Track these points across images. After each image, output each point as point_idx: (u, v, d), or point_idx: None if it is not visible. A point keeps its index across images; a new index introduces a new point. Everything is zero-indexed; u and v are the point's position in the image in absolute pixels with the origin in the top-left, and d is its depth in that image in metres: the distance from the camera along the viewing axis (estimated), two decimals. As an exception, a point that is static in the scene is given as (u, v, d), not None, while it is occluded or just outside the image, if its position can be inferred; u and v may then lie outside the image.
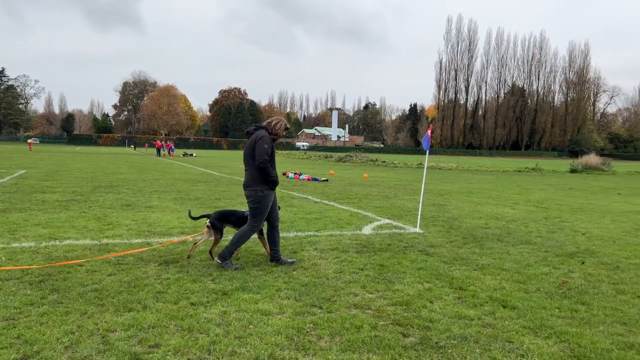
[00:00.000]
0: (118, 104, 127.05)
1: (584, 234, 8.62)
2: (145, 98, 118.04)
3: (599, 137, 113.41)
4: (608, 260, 6.51)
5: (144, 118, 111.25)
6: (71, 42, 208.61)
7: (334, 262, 6.06)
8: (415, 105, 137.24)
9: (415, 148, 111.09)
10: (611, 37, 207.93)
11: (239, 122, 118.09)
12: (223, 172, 23.74)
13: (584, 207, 12.96)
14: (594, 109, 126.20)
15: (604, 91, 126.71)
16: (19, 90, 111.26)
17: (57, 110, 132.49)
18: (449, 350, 3.52)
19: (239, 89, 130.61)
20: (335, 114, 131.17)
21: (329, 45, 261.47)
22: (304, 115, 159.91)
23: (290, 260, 5.99)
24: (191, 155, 50.86)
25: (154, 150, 55.58)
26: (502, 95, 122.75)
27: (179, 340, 3.54)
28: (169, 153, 48.62)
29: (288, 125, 6.08)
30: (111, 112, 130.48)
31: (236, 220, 6.19)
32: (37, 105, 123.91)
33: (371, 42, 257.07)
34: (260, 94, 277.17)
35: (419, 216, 9.05)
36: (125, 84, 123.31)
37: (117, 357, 3.23)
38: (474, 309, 4.42)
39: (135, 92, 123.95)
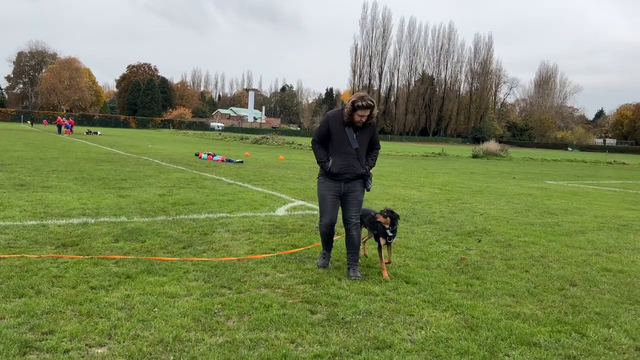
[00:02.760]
0: (12, 76, 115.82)
1: (481, 214, 9.26)
2: (43, 70, 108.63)
3: (499, 125, 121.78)
4: (501, 239, 7.06)
5: (42, 92, 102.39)
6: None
7: (246, 244, 6.02)
8: (331, 89, 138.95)
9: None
10: (512, 30, 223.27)
11: (148, 100, 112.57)
12: (130, 152, 22.60)
13: (483, 189, 13.92)
14: (495, 98, 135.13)
15: (504, 82, 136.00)
16: None
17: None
18: (355, 325, 3.64)
19: (149, 64, 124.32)
20: (251, 94, 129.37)
21: (243, 23, 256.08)
22: (219, 95, 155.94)
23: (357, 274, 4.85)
24: (95, 133, 47.81)
25: (54, 127, 51.57)
26: (413, 82, 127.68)
27: (76, 326, 3.34)
28: (67, 130, 45.33)
29: (359, 103, 4.66)
30: (4, 84, 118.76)
31: (367, 222, 5.33)
32: None
33: (286, 23, 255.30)
34: (172, 71, 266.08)
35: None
36: (20, 54, 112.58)
37: (5, 345, 2.99)
38: (379, 286, 4.61)
39: (32, 64, 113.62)
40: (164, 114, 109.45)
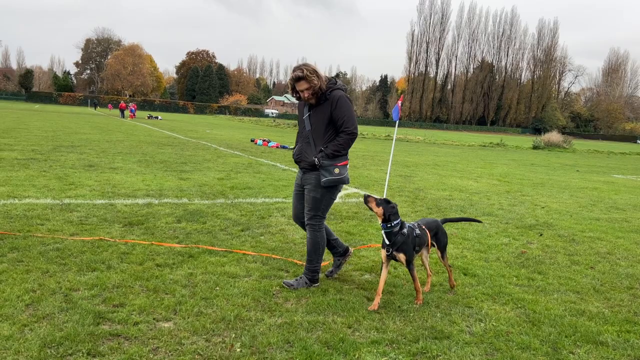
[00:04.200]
0: (80, 62, 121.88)
1: (543, 207, 8.92)
2: (109, 57, 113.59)
3: (561, 115, 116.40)
4: (564, 233, 6.78)
5: (107, 78, 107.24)
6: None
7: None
8: (385, 76, 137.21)
9: (385, 120, 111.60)
10: (579, 16, 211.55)
11: (206, 86, 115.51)
12: (189, 136, 23.31)
13: (544, 182, 13.39)
14: (558, 87, 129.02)
15: (569, 70, 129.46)
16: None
17: (14, 66, 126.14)
18: (411, 314, 3.63)
19: (207, 51, 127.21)
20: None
21: (297, 9, 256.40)
22: (274, 82, 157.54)
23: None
24: (156, 117, 49.63)
25: (117, 111, 53.94)
26: (471, 70, 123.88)
27: (144, 300, 3.52)
28: (131, 114, 47.27)
29: (291, 75, 4.03)
30: (73, 69, 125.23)
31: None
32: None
33: (340, 9, 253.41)
34: (229, 58, 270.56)
35: (385, 186, 9.16)
36: (88, 41, 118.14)
37: (81, 315, 3.19)
38: (436, 276, 4.55)
39: (98, 50, 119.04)
40: (220, 100, 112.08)
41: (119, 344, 2.89)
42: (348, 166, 4.08)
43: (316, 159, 3.94)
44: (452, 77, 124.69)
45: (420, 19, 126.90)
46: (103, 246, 4.75)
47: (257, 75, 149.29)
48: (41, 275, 3.86)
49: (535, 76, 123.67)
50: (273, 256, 4.83)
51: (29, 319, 3.11)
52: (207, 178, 9.74)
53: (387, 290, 4.09)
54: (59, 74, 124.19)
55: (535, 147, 35.42)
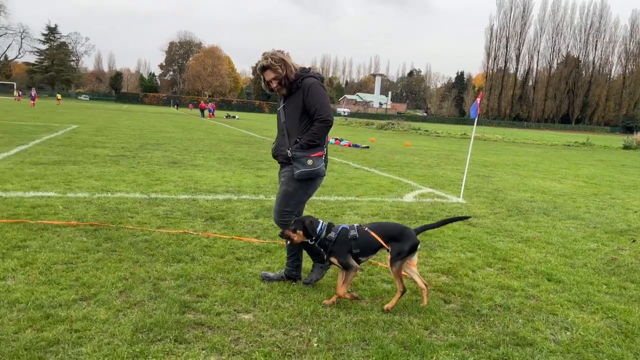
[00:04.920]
0: (164, 64, 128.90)
1: (636, 212, 8.29)
2: (190, 59, 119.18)
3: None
4: (661, 240, 6.26)
5: (188, 79, 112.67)
6: (117, 1, 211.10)
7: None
8: (462, 73, 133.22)
9: (460, 118, 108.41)
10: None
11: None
12: (265, 135, 23.93)
13: (637, 184, 12.42)
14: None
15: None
16: (70, 47, 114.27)
17: (106, 68, 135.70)
18: (491, 319, 3.51)
19: (282, 51, 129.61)
20: (378, 80, 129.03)
21: (370, 7, 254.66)
22: (346, 81, 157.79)
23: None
24: (234, 117, 51.39)
25: (198, 111, 56.43)
26: (555, 65, 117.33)
27: (225, 292, 3.67)
28: (210, 114, 49.24)
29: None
30: (157, 71, 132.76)
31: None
32: (88, 63, 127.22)
33: (414, 5, 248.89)
34: (304, 58, 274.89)
35: (462, 186, 8.91)
36: (171, 44, 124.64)
37: (168, 303, 3.38)
38: (518, 281, 4.37)
39: (180, 53, 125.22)
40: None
41: (202, 332, 3.03)
42: (324, 157, 3.85)
43: (289, 151, 3.78)
44: (534, 73, 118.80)
45: (499, 13, 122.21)
46: (187, 239, 5.00)
47: (330, 75, 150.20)
48: (132, 265, 4.14)
49: (627, 71, 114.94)
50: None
51: (122, 304, 3.34)
52: (282, 176, 9.95)
53: (465, 293, 3.98)
54: (145, 75, 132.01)
55: (626, 147, 32.91)
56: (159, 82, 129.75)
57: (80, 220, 5.39)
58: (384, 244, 3.61)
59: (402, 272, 3.63)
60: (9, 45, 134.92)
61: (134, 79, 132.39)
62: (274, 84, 3.83)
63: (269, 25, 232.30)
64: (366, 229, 3.67)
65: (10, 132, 15.37)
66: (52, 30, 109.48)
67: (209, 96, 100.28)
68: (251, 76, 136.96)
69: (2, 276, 3.67)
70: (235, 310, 3.39)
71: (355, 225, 3.73)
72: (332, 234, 3.61)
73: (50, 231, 4.91)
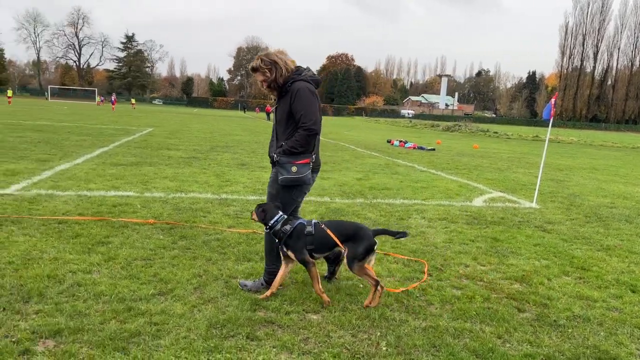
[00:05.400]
0: (232, 69, 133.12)
1: None
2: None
3: None
4: None
5: (255, 83, 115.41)
6: (185, 9, 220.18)
7: (443, 232, 5.95)
8: (533, 73, 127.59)
9: (532, 119, 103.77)
10: None
11: (344, 89, 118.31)
12: (328, 138, 24.09)
13: None
14: None
15: None
16: (146, 54, 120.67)
17: (178, 74, 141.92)
18: (569, 330, 3.34)
19: (347, 54, 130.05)
20: (444, 80, 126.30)
21: (436, 6, 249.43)
22: (411, 82, 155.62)
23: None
24: (298, 119, 52.03)
25: (264, 114, 57.73)
26: (637, 63, 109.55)
27: (294, 292, 3.73)
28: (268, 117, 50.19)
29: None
30: (226, 76, 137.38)
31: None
32: (161, 69, 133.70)
33: (483, 3, 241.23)
34: (367, 60, 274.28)
35: (536, 191, 8.53)
36: (239, 49, 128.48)
37: (240, 301, 3.49)
38: (598, 291, 4.13)
39: (248, 58, 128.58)
40: (357, 102, 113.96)
41: (273, 330, 3.10)
42: (311, 165, 3.70)
43: (275, 155, 3.69)
44: (613, 71, 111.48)
45: (575, 9, 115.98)
46: (256, 239, 5.13)
47: (394, 76, 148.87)
48: (205, 262, 4.30)
49: None
50: (414, 259, 4.79)
51: (197, 300, 3.48)
52: (346, 178, 9.98)
53: (540, 302, 3.81)
54: (214, 80, 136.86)
55: None
56: (227, 87, 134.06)
57: (157, 219, 5.68)
58: (339, 243, 3.55)
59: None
60: (92, 54, 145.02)
61: (204, 83, 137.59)
62: (264, 86, 3.79)
63: (332, 27, 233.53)
64: (322, 226, 3.62)
65: (93, 135, 16.44)
66: (129, 39, 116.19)
67: (275, 100, 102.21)
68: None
69: (89, 270, 3.93)
70: (303, 310, 3.44)
71: (313, 221, 3.68)
72: (288, 227, 3.59)
73: (130, 229, 5.20)
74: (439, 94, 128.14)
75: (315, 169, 3.86)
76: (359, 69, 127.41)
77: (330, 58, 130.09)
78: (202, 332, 2.99)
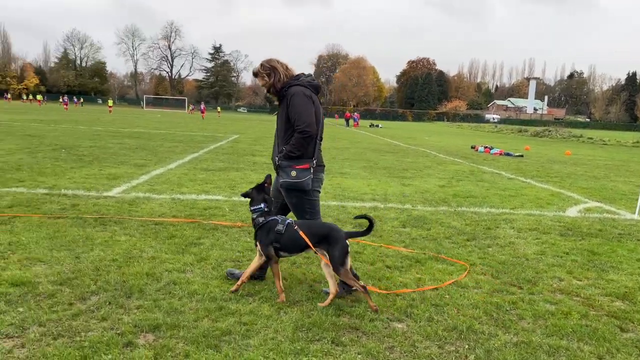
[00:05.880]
0: (313, 76, 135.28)
1: None
2: (337, 70, 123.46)
3: None
4: None
5: (335, 90, 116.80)
6: (270, 19, 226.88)
7: (534, 243, 5.65)
8: (633, 74, 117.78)
9: (631, 124, 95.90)
10: None
11: (425, 93, 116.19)
12: (409, 143, 23.76)
13: None
14: None
15: None
16: (232, 64, 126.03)
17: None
18: (683, 356, 3.03)
19: (428, 59, 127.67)
20: (532, 84, 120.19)
21: (525, 7, 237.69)
22: (496, 86, 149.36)
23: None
24: (377, 126, 51.93)
25: (343, 121, 58.12)
26: None
27: (377, 299, 3.71)
28: (355, 123, 50.33)
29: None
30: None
31: None
32: (246, 78, 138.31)
33: (576, 2, 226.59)
34: (449, 64, 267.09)
35: (638, 201, 7.86)
36: (320, 57, 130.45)
37: (324, 306, 3.53)
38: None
39: (328, 65, 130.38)
40: (438, 106, 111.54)
41: (357, 337, 3.10)
42: (311, 171, 3.72)
43: (277, 158, 3.79)
44: None
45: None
46: (338, 245, 5.16)
47: (479, 80, 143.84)
48: (290, 266, 4.40)
49: None
50: (456, 260, 4.59)
51: (283, 303, 3.57)
52: (428, 185, 9.79)
53: (647, 323, 3.50)
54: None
55: None
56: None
57: (245, 222, 5.89)
58: (311, 246, 3.53)
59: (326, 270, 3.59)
60: (182, 65, 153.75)
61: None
62: (265, 91, 3.95)
63: (415, 32, 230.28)
64: (296, 227, 3.59)
65: (184, 142, 17.42)
66: (217, 50, 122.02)
67: (354, 106, 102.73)
68: (395, 85, 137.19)
69: (183, 269, 4.16)
70: (388, 318, 3.41)
71: (288, 221, 3.65)
72: (261, 219, 3.68)
73: (220, 231, 5.44)
74: (526, 98, 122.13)
75: (322, 167, 3.95)
76: (441, 73, 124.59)
77: (410, 63, 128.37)
78: (288, 334, 3.06)
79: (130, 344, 2.85)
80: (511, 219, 6.90)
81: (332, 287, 3.55)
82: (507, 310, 3.65)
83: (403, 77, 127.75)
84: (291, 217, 3.86)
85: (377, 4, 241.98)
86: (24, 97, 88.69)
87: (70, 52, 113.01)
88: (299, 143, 3.67)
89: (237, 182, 8.88)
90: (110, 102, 55.62)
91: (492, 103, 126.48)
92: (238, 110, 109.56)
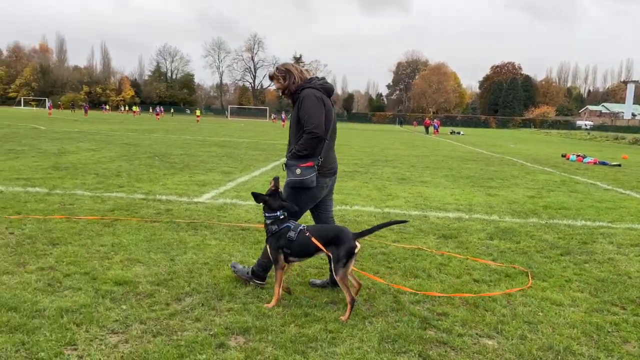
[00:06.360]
0: (391, 84, 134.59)
1: None
2: (416, 77, 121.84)
3: None
4: None
5: (413, 97, 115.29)
6: (348, 27, 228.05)
7: (637, 260, 5.22)
8: None
9: None
10: None
11: (510, 99, 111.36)
12: (493, 151, 22.86)
13: None
14: None
15: None
16: (311, 74, 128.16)
17: (339, 91, 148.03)
18: None
19: (513, 63, 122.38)
20: (630, 87, 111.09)
21: (618, 6, 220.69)
22: (589, 90, 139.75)
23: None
24: (458, 133, 50.50)
25: (422, 128, 57.14)
26: None
27: (465, 314, 3.59)
28: (435, 131, 49.24)
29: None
30: (384, 91, 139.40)
31: None
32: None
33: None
34: (536, 68, 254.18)
35: None
36: (399, 64, 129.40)
37: (409, 317, 3.47)
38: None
39: (407, 72, 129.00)
40: (525, 113, 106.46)
41: (445, 352, 3.02)
42: (315, 168, 3.81)
43: (285, 158, 3.98)
44: None
45: None
46: (422, 255, 5.08)
47: (569, 84, 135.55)
48: (373, 275, 4.38)
49: None
50: (513, 266, 4.27)
51: (367, 312, 3.56)
52: (516, 195, 9.35)
53: None
54: (373, 96, 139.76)
55: None
56: (386, 102, 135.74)
57: (326, 230, 5.95)
58: (323, 249, 3.54)
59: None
60: (264, 75, 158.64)
61: (363, 99, 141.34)
62: (280, 93, 4.09)
63: (498, 35, 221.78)
64: (307, 233, 3.62)
65: (267, 150, 17.96)
66: (297, 60, 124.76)
67: (434, 113, 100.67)
68: (477, 90, 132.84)
69: (269, 274, 4.27)
70: (477, 334, 3.29)
71: (300, 227, 3.68)
72: (274, 227, 3.72)
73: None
74: (623, 103, 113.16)
75: (330, 173, 4.04)
76: (527, 77, 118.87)
77: (494, 68, 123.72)
78: (374, 345, 3.05)
79: (223, 345, 2.97)
80: (610, 233, 6.42)
81: (349, 297, 3.47)
82: (608, 331, 3.39)
83: (486, 83, 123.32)
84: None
85: (458, 8, 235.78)
86: (122, 108, 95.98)
87: (162, 66, 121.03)
88: (307, 143, 3.79)
89: (318, 190, 8.99)
90: (198, 112, 58.66)
91: (584, 109, 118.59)
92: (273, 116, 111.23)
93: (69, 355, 2.77)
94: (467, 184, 10.84)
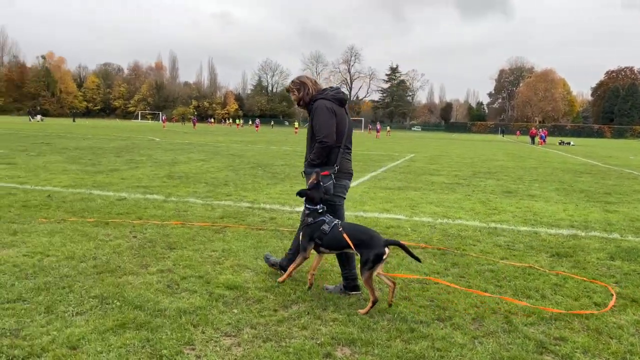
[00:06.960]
0: (493, 92, 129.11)
1: None
2: (520, 84, 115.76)
3: None
4: None
5: (517, 105, 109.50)
6: (446, 35, 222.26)
7: None
8: None
9: None
10: None
11: (628, 107, 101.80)
12: (609, 164, 20.99)
13: None
14: None
15: None
16: (408, 84, 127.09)
17: (437, 100, 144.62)
18: None
19: (632, 68, 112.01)
20: None
21: None
22: None
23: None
24: (568, 143, 47.07)
25: (527, 138, 54.00)
26: None
27: (586, 340, 3.31)
28: (542, 141, 46.29)
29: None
30: (485, 100, 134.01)
31: None
32: (421, 96, 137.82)
33: None
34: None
35: None
36: (502, 72, 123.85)
37: (522, 340, 3.27)
38: None
39: (510, 79, 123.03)
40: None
41: (566, 380, 2.80)
42: (332, 177, 4.03)
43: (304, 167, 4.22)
44: None
45: None
46: (534, 274, 4.77)
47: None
48: (481, 293, 4.19)
49: None
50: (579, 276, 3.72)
51: (476, 332, 3.41)
52: (638, 212, 8.49)
53: None
54: (473, 105, 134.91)
55: None
56: (487, 111, 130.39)
57: (427, 243, 5.82)
58: (353, 247, 3.72)
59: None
60: (360, 87, 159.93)
61: (462, 108, 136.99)
62: (296, 104, 4.28)
63: (612, 38, 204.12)
64: (340, 229, 3.81)
65: (363, 161, 18.01)
66: (393, 71, 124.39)
67: (540, 122, 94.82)
68: (589, 98, 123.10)
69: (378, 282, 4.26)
70: (601, 363, 3.01)
71: (335, 222, 3.88)
72: (310, 219, 3.93)
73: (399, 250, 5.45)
74: None
75: (346, 176, 4.22)
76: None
77: (609, 73, 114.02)
78: (485, 367, 2.90)
79: (329, 355, 3.00)
80: None
81: (372, 296, 3.63)
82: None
83: (600, 89, 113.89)
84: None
85: (565, 10, 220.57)
86: (225, 121, 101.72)
87: (263, 80, 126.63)
88: (318, 152, 4.01)
89: (417, 202, 8.84)
90: (296, 124, 60.42)
91: None
92: (412, 128, 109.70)
93: (188, 354, 2.95)
94: (581, 198, 10.04)
